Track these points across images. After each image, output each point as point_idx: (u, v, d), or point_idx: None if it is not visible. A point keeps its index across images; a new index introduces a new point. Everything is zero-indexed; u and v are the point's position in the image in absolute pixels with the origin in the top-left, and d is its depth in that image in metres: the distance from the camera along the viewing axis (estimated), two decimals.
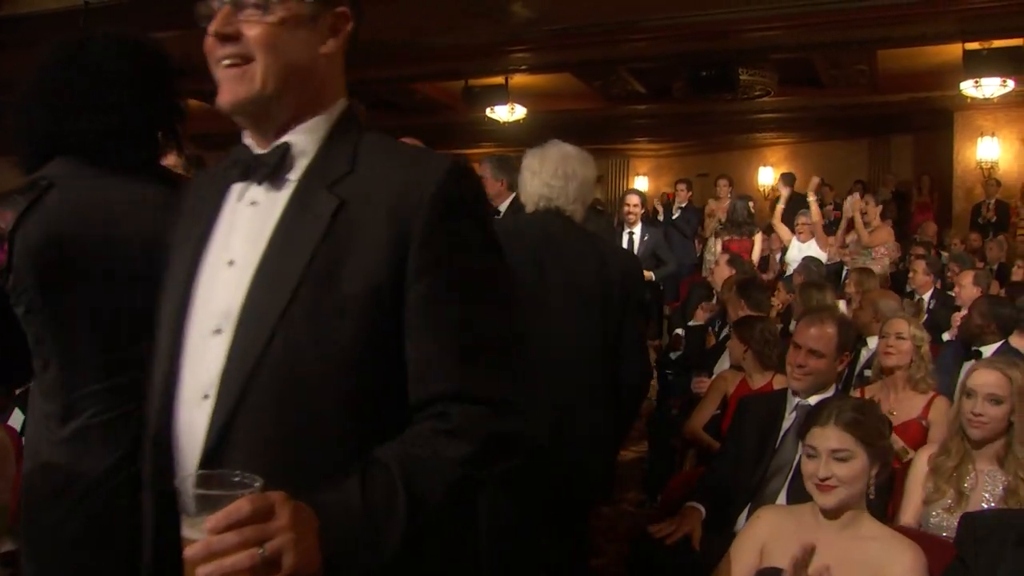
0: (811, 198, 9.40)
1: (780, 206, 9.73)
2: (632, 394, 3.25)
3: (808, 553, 2.26)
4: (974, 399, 3.00)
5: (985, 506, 2.85)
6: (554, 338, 2.98)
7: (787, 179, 10.96)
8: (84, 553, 1.85)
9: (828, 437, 2.51)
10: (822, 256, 8.74)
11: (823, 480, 2.47)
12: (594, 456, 3.09)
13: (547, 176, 3.18)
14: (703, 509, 3.27)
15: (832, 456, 2.48)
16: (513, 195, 5.26)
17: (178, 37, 9.73)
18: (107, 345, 1.89)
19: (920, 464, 3.09)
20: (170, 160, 2.23)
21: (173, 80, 2.05)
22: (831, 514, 2.49)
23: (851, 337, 3.57)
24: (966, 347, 5.02)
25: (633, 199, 8.39)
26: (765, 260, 9.74)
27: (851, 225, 8.91)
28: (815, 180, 9.97)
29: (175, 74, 2.05)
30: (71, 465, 1.86)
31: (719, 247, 9.04)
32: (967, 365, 4.72)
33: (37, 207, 1.87)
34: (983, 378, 3.01)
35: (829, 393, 3.42)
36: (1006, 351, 4.81)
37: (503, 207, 5.46)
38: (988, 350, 4.88)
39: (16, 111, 1.98)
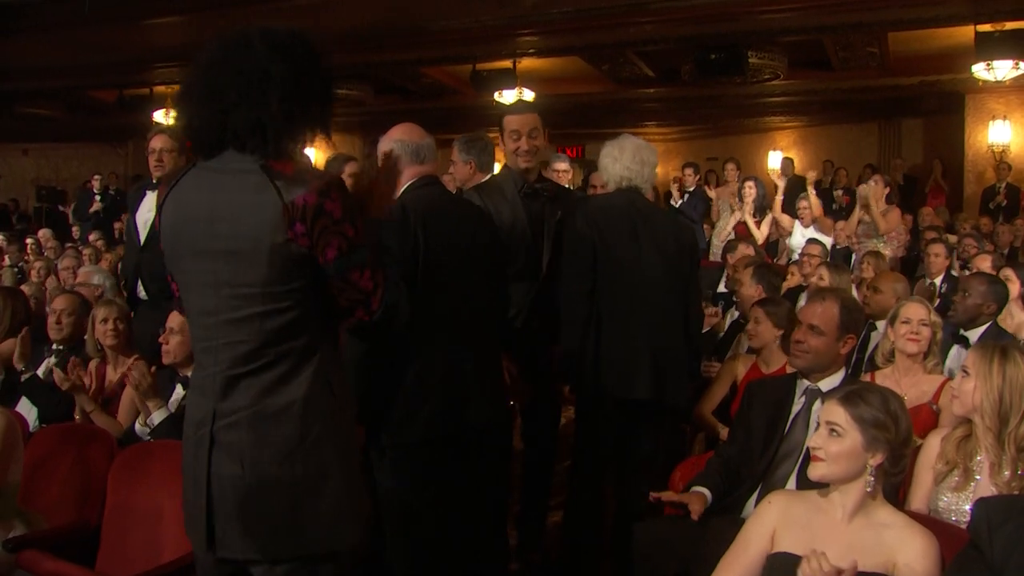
0: (810, 189, 9.30)
1: (779, 197, 9.60)
2: (697, 339, 4.33)
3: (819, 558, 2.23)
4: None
5: (994, 488, 2.82)
6: (650, 291, 3.92)
7: (785, 167, 10.84)
8: None
9: (828, 410, 2.54)
10: (826, 240, 8.67)
11: (814, 450, 2.51)
12: (681, 382, 4.05)
13: (627, 161, 4.05)
14: (709, 494, 3.24)
15: (827, 428, 2.51)
16: (486, 177, 4.83)
17: (176, 23, 9.82)
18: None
19: (931, 447, 3.05)
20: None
21: (323, 75, 2.22)
22: (822, 490, 2.52)
23: (856, 320, 3.49)
24: (954, 331, 4.93)
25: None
26: (774, 244, 9.68)
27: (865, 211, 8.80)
28: (812, 174, 9.88)
29: (325, 70, 2.23)
30: None
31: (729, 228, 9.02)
32: (954, 350, 4.68)
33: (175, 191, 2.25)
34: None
35: (839, 376, 3.38)
36: (994, 334, 4.76)
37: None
38: (975, 334, 4.80)
39: (183, 107, 2.21)
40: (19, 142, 18.99)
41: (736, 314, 5.79)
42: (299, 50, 2.17)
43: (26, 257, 11.27)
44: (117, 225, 13.70)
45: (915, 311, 4.10)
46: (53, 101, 15.90)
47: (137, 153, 19.61)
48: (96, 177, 14.49)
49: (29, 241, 12.18)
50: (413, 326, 2.48)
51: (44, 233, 12.69)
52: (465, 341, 3.17)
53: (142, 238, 5.18)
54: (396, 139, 3.29)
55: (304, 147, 2.27)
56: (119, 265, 8.16)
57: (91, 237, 11.60)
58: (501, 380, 3.45)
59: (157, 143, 5.21)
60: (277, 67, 2.12)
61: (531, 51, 11.56)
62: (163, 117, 14.89)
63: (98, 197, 14.04)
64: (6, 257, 11.19)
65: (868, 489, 2.45)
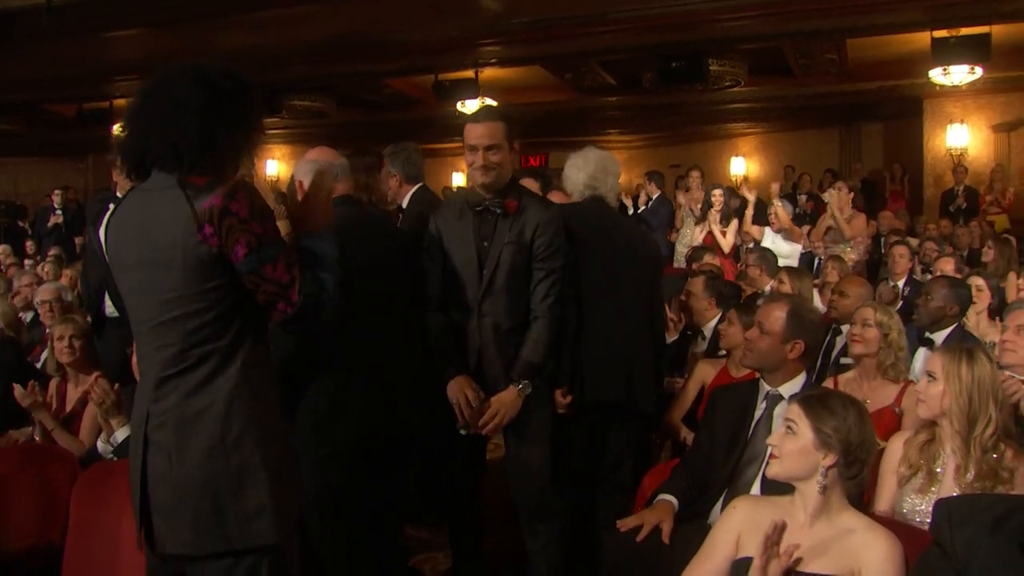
0: (776, 202, 9.36)
1: (749, 212, 9.64)
2: (662, 344, 4.56)
3: (779, 530, 2.27)
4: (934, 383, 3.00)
5: (957, 489, 2.84)
6: (620, 297, 4.09)
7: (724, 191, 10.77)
8: None
9: (788, 409, 2.63)
10: (794, 249, 8.75)
11: (772, 448, 2.59)
12: (649, 387, 4.21)
13: (591, 171, 4.25)
14: (675, 501, 3.25)
15: (784, 426, 2.58)
16: (416, 187, 4.84)
17: (136, 35, 9.72)
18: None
19: (894, 450, 3.08)
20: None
21: (248, 106, 2.44)
22: (786, 495, 2.57)
23: (805, 326, 3.48)
24: (919, 334, 4.98)
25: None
26: (737, 250, 9.74)
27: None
28: (775, 186, 9.92)
29: (246, 98, 2.44)
30: None
31: (699, 237, 9.05)
32: (921, 352, 4.73)
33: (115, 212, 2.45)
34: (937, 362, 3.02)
35: (799, 381, 3.41)
36: (959, 336, 4.82)
37: (405, 202, 4.86)
38: (940, 336, 4.87)
39: (121, 134, 2.44)
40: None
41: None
42: (224, 83, 2.38)
43: None
44: (78, 240, 13.59)
45: (861, 313, 4.15)
46: (12, 115, 15.74)
47: (97, 168, 19.44)
48: (56, 192, 14.34)
49: None
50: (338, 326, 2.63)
51: (3, 249, 12.54)
52: (378, 355, 3.38)
53: None
54: (311, 159, 3.50)
55: (234, 169, 2.45)
56: (78, 280, 8.10)
57: (51, 252, 11.47)
58: (411, 396, 3.56)
59: None
60: (197, 97, 2.32)
61: (493, 61, 11.57)
62: (120, 131, 14.78)
63: (58, 211, 13.90)
64: None
65: (819, 489, 2.47)
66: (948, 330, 4.86)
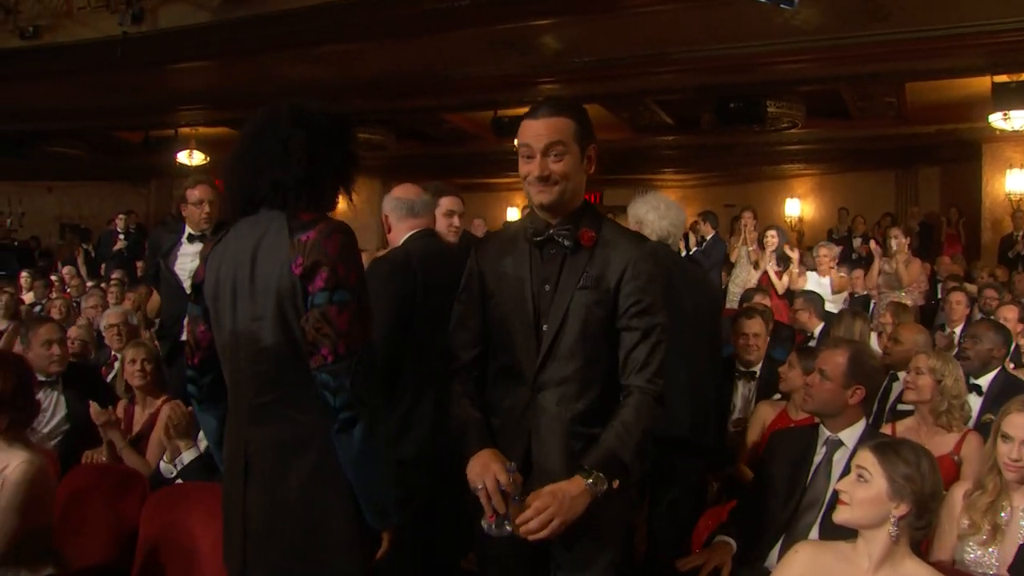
0: (792, 254, 9.34)
1: (794, 269, 9.60)
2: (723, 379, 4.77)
3: None
4: (1010, 444, 2.98)
5: (1021, 541, 2.84)
6: (687, 336, 3.92)
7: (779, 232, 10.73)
8: None
9: (860, 455, 2.64)
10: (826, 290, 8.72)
11: (841, 494, 2.61)
12: (711, 424, 4.21)
13: (673, 218, 4.28)
14: (734, 543, 3.28)
15: (856, 473, 2.60)
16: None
17: (201, 67, 10.00)
18: None
19: (954, 499, 3.08)
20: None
21: (345, 145, 2.56)
22: (849, 540, 2.59)
23: (866, 371, 3.50)
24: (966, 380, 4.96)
25: None
26: (791, 293, 9.71)
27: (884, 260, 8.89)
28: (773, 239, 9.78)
29: (346, 138, 2.57)
30: None
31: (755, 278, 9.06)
32: (969, 399, 4.70)
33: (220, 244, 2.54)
34: (1019, 421, 2.99)
35: (860, 427, 3.41)
36: (1004, 380, 4.82)
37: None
38: (985, 380, 4.86)
39: (227, 172, 2.55)
40: (43, 180, 19.21)
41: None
42: (322, 122, 2.49)
43: (50, 295, 11.40)
44: (139, 264, 13.89)
45: (915, 360, 4.15)
46: (79, 140, 16.18)
47: (159, 192, 19.88)
48: (120, 216, 14.66)
49: (54, 279, 12.34)
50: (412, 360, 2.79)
51: (69, 271, 12.85)
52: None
53: (188, 287, 5.22)
54: (394, 197, 3.65)
55: (332, 204, 2.56)
56: (143, 305, 8.29)
57: (114, 275, 11.73)
58: None
59: (202, 194, 5.26)
60: (300, 137, 2.43)
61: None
62: (186, 158, 15.13)
63: (121, 236, 14.20)
64: (28, 295, 11.31)
65: (891, 539, 2.49)
66: (992, 374, 4.85)
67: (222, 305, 2.46)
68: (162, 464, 4.20)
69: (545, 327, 2.61)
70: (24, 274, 12.72)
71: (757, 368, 5.33)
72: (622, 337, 2.61)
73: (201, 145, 15.16)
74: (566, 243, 2.62)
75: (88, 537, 3.51)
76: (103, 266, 14.04)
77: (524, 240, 2.69)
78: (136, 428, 4.67)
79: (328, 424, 2.29)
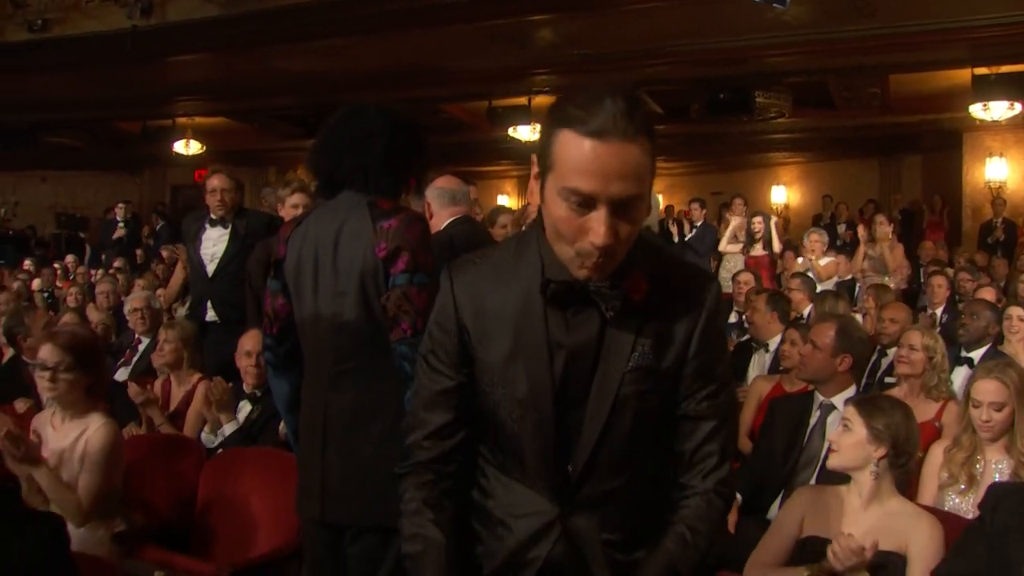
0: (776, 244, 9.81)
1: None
2: None
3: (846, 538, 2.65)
4: (980, 408, 3.37)
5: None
6: None
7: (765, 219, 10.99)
8: None
9: (846, 411, 3.03)
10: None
11: (832, 444, 2.98)
12: None
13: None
14: (739, 496, 3.63)
15: (842, 424, 2.98)
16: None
17: (205, 59, 10.17)
18: None
19: (935, 456, 3.47)
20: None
21: (417, 138, 2.81)
22: (842, 484, 2.94)
23: (851, 341, 3.90)
24: (957, 353, 5.36)
25: None
26: (779, 277, 10.09)
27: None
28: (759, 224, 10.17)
29: (420, 134, 2.83)
30: None
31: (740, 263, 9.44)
32: (960, 370, 5.10)
33: (301, 226, 2.77)
34: (985, 387, 3.38)
35: (849, 392, 3.81)
36: (993, 355, 5.19)
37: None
38: (977, 354, 5.28)
39: (313, 155, 2.80)
40: (38, 169, 19.36)
41: (746, 337, 6.24)
42: (399, 118, 2.78)
43: (57, 283, 11.65)
44: (139, 251, 14.15)
45: (909, 337, 4.51)
46: (76, 131, 16.34)
47: (152, 181, 20.06)
48: (120, 206, 14.89)
49: (57, 267, 12.59)
50: None
51: (71, 259, 13.10)
52: None
53: (209, 270, 5.56)
54: (437, 187, 4.00)
55: (403, 190, 2.84)
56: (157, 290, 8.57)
57: (115, 263, 11.99)
58: None
59: (217, 182, 5.55)
60: (385, 127, 2.71)
61: (546, 89, 11.97)
62: (183, 148, 15.35)
63: (121, 225, 14.43)
64: (35, 281, 11.56)
65: (872, 477, 2.85)
66: (984, 348, 5.27)
67: (304, 281, 2.70)
68: (203, 435, 4.51)
69: (583, 425, 1.78)
70: (28, 262, 12.98)
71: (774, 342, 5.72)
72: (683, 426, 1.84)
73: (198, 135, 15.34)
74: (609, 310, 1.72)
75: (150, 499, 3.81)
76: (103, 255, 14.30)
77: (534, 287, 1.76)
78: (173, 405, 4.96)
79: (402, 391, 2.55)
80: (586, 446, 1.78)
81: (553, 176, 1.64)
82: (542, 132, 1.70)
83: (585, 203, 1.60)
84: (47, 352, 3.37)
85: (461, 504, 1.90)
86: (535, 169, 1.73)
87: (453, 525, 1.86)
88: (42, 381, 3.38)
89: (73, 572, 2.32)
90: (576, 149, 1.59)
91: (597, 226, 1.60)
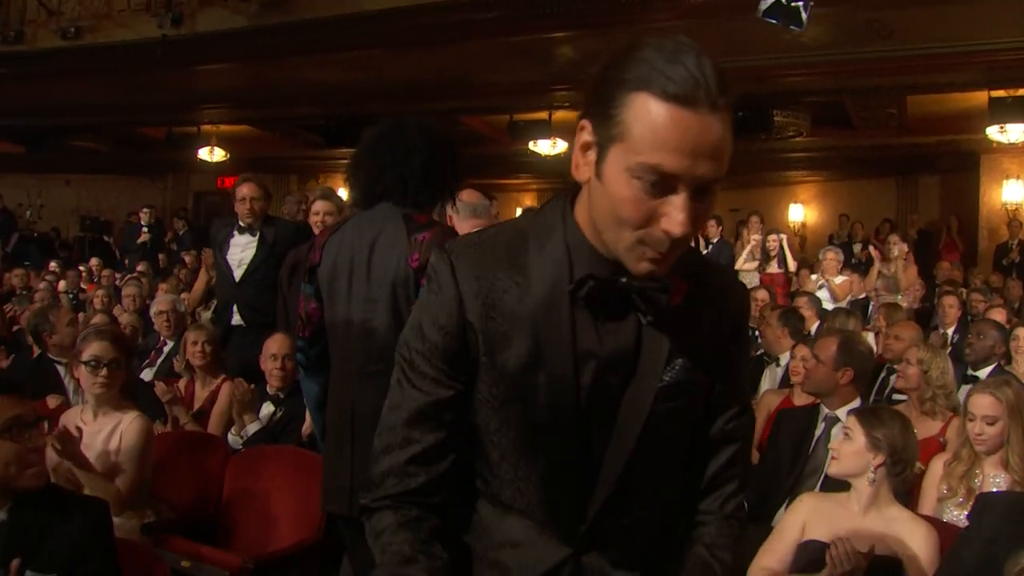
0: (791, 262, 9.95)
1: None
2: None
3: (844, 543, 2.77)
4: (974, 422, 3.49)
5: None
6: None
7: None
8: None
9: (847, 419, 3.18)
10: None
11: (833, 452, 3.12)
12: None
13: None
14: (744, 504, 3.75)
15: (843, 433, 3.12)
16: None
17: (231, 68, 10.33)
18: None
19: (935, 469, 3.59)
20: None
21: (453, 154, 2.96)
22: (843, 492, 3.05)
23: (853, 355, 4.02)
24: (963, 371, 5.46)
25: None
26: (793, 295, 10.19)
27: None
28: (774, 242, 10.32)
29: (455, 150, 2.97)
30: None
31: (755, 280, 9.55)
32: (966, 388, 5.20)
33: (337, 234, 2.92)
34: (979, 402, 3.51)
35: (854, 404, 3.93)
36: (1000, 373, 5.26)
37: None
38: (984, 373, 5.37)
39: (353, 167, 2.96)
40: (62, 172, 19.61)
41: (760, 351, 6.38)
42: (436, 134, 2.92)
43: (81, 284, 11.83)
44: (161, 256, 14.35)
45: (908, 353, 4.66)
46: (101, 135, 16.58)
47: (176, 187, 20.31)
48: (144, 210, 15.09)
49: (83, 269, 12.78)
50: None
51: (96, 262, 13.30)
52: None
53: (236, 275, 5.72)
54: (460, 200, 4.10)
55: (440, 205, 3.04)
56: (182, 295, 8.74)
57: (138, 267, 12.18)
58: None
59: (247, 191, 5.68)
60: (425, 143, 2.86)
61: (567, 104, 12.09)
62: (207, 155, 15.57)
63: (145, 229, 14.62)
64: (61, 283, 11.74)
65: (870, 484, 2.96)
66: (991, 368, 5.38)
67: (338, 286, 2.85)
68: (230, 437, 4.65)
69: (609, 444, 1.51)
70: (53, 264, 13.18)
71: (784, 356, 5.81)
72: (707, 447, 1.62)
73: (222, 142, 15.56)
74: (648, 314, 1.47)
75: (176, 494, 3.97)
76: (126, 259, 14.51)
77: (561, 284, 1.47)
78: (197, 404, 5.11)
79: None
80: (610, 474, 1.49)
81: (621, 148, 1.33)
82: (603, 91, 1.37)
83: (662, 184, 1.32)
84: (100, 349, 3.53)
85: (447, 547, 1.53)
86: (586, 137, 1.41)
87: None
88: (93, 376, 3.53)
89: (116, 555, 2.47)
90: (660, 118, 1.30)
91: (676, 212, 1.33)
